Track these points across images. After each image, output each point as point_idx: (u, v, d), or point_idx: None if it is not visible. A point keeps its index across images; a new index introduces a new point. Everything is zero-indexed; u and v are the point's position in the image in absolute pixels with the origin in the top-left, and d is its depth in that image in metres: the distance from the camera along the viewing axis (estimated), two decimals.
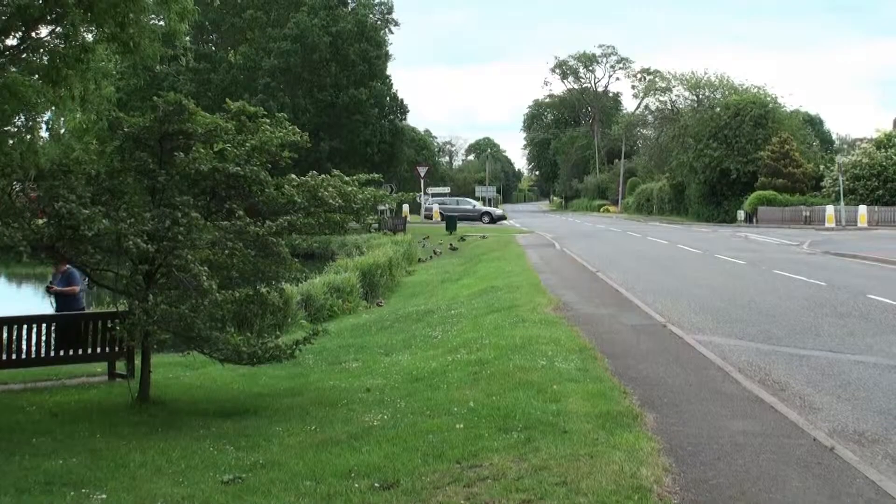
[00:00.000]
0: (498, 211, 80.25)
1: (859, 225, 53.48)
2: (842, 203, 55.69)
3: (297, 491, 8.45)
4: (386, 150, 74.31)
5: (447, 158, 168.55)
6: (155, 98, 13.60)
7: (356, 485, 8.31)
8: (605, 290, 22.80)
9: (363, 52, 72.07)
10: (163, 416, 12.62)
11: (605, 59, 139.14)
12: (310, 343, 14.06)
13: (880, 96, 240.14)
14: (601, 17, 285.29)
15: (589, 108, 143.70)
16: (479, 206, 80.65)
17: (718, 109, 74.96)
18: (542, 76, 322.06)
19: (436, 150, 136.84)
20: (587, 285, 23.98)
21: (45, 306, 21.23)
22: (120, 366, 15.32)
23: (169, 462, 10.02)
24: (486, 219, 73.33)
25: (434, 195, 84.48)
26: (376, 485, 8.23)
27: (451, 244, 50.08)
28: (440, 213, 73.08)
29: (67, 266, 16.86)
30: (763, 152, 66.28)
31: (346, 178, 14.53)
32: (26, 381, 15.18)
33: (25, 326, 14.67)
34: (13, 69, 15.92)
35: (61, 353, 14.76)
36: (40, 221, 12.59)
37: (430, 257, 45.99)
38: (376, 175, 15.94)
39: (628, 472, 7.84)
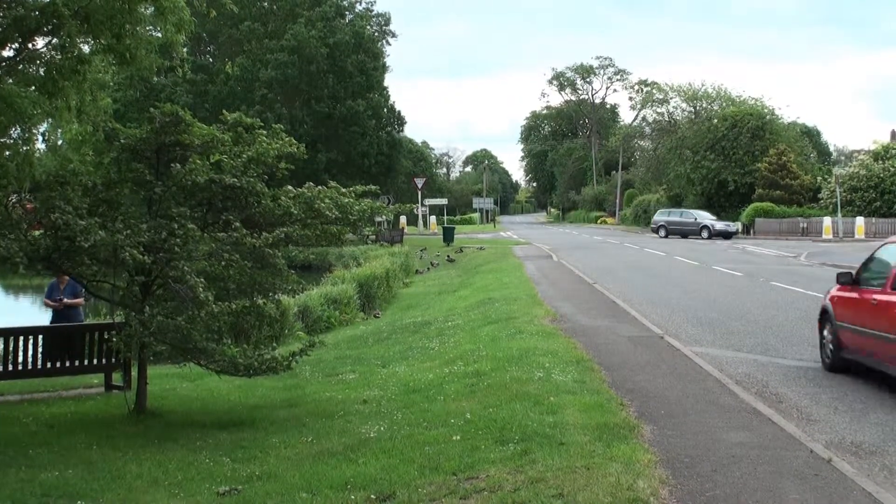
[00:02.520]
0: (719, 224, 63.09)
1: (857, 236, 53.55)
2: (839, 214, 55.78)
3: (294, 503, 8.45)
4: (383, 161, 74.39)
5: (444, 170, 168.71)
6: (152, 109, 13.60)
7: (352, 496, 8.30)
8: (602, 301, 22.80)
9: (360, 64, 72.21)
10: (159, 427, 12.59)
11: (602, 71, 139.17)
12: (306, 354, 14.04)
13: (878, 108, 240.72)
14: (598, 29, 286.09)
15: (586, 120, 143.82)
16: (701, 218, 65.13)
17: (716, 121, 75.10)
18: (539, 88, 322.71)
19: (433, 161, 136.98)
20: (584, 297, 23.98)
21: (42, 318, 21.20)
22: (116, 377, 15.30)
23: (165, 473, 10.01)
24: (704, 233, 62.03)
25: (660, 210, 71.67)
26: (373, 496, 8.22)
27: (448, 256, 50.12)
28: (664, 227, 65.16)
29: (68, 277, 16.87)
30: (760, 164, 66.41)
31: (343, 190, 14.51)
32: (23, 392, 15.15)
33: (22, 338, 14.66)
34: (9, 80, 15.92)
35: (58, 364, 14.74)
36: (37, 233, 12.58)
37: (428, 269, 46.01)
38: (373, 187, 15.93)
39: (625, 484, 7.83)
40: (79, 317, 17.72)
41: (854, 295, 13.58)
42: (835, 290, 14.45)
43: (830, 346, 14.03)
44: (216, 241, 12.64)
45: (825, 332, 14.38)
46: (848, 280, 14.01)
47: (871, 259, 13.99)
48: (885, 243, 14.10)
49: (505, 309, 21.77)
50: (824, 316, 14.53)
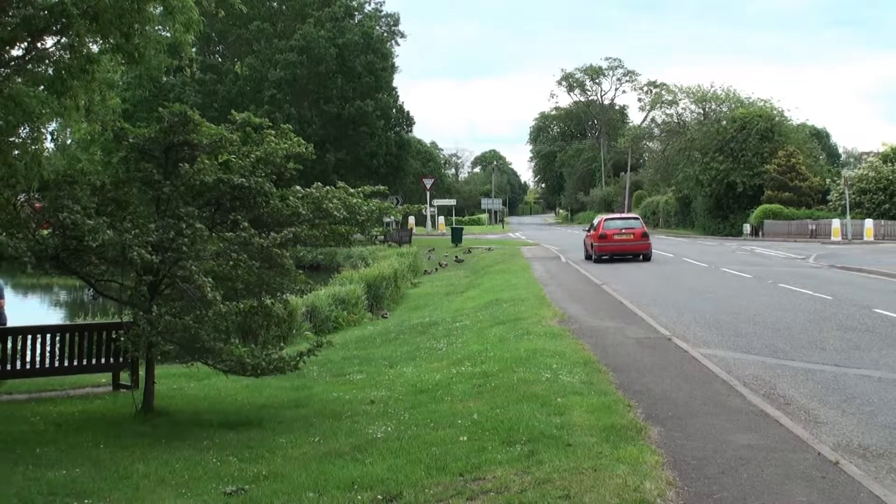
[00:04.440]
0: None
1: (865, 239, 53.31)
2: (848, 217, 55.58)
3: (301, 503, 8.45)
4: (392, 162, 74.31)
5: (453, 171, 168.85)
6: (160, 109, 13.61)
7: (359, 497, 8.31)
8: (610, 302, 22.77)
9: (369, 64, 72.09)
10: (166, 427, 12.61)
11: (611, 72, 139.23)
12: (314, 355, 14.04)
13: (887, 110, 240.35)
14: (607, 31, 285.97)
15: (595, 121, 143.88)
16: None
17: (724, 123, 74.92)
18: (548, 88, 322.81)
19: (442, 162, 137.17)
20: (592, 298, 23.96)
21: (49, 316, 21.20)
22: (124, 376, 15.33)
23: (172, 473, 10.02)
24: None
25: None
26: (379, 497, 8.23)
27: (456, 256, 50.13)
28: None
29: None
30: (769, 166, 66.27)
31: (351, 190, 14.52)
32: (31, 391, 15.20)
33: (30, 336, 14.70)
34: (18, 79, 15.92)
35: (66, 363, 14.77)
36: (45, 232, 12.61)
37: (436, 269, 46.05)
38: (381, 187, 15.92)
39: (632, 485, 7.82)
40: (1, 320, 17.31)
41: (590, 233, 39.61)
42: (586, 234, 41.26)
43: (585, 251, 40.39)
44: (224, 240, 12.66)
45: (586, 248, 40.41)
46: (589, 229, 40.89)
47: (593, 221, 43.08)
48: (599, 215, 48.14)
49: (513, 310, 21.77)
50: (585, 241, 41.00)
